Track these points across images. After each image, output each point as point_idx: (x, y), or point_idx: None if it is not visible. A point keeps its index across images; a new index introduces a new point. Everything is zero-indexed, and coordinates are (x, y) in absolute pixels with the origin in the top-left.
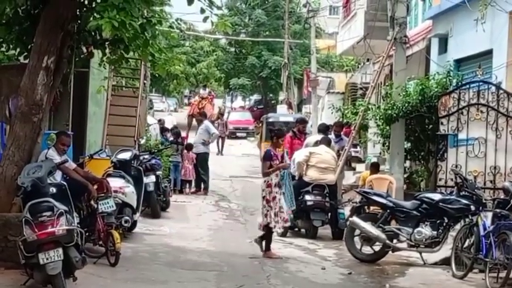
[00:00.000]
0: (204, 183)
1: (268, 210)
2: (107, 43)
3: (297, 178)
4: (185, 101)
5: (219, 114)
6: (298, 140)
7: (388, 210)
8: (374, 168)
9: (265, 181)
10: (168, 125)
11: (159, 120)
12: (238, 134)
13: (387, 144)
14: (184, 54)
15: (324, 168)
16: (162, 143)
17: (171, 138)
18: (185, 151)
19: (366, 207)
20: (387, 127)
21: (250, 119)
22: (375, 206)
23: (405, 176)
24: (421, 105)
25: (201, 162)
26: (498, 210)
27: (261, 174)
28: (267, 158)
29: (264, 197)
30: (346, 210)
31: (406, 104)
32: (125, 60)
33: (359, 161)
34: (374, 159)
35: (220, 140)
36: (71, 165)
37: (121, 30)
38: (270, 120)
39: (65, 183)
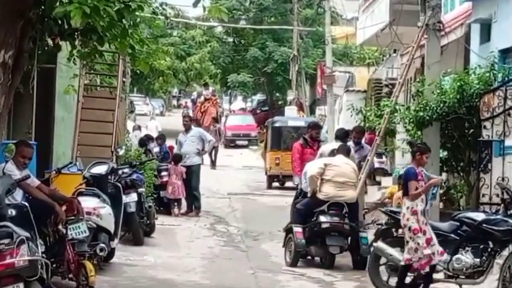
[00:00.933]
0: (197, 201)
1: (419, 244)
2: (77, 33)
3: (309, 195)
4: (174, 102)
5: (212, 119)
6: (311, 148)
7: None
8: None
9: (408, 208)
10: (152, 132)
11: (134, 128)
12: (238, 142)
13: None
14: (171, 45)
15: (343, 183)
16: (146, 152)
17: (156, 149)
18: (171, 164)
19: (394, 230)
20: (419, 132)
21: (253, 123)
22: None
23: (440, 191)
24: (459, 106)
25: (195, 176)
26: None
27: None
28: (412, 176)
29: (409, 228)
30: (369, 234)
31: (441, 104)
32: (100, 54)
33: (385, 173)
34: (403, 172)
35: (212, 151)
36: (34, 182)
37: (94, 17)
38: (277, 125)
39: (27, 204)
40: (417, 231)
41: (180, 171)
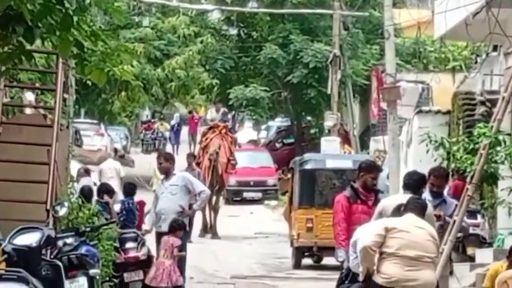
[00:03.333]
0: None
1: None
2: None
3: (361, 279)
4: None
5: (187, 156)
6: (364, 204)
7: None
8: None
9: None
10: (110, 179)
11: (80, 172)
12: (247, 195)
13: None
14: (140, 41)
15: (415, 259)
16: (99, 213)
17: (117, 207)
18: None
19: None
20: None
21: (270, 164)
22: None
23: None
24: None
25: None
26: None
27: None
28: None
29: None
30: None
31: None
32: (27, 57)
33: (481, 242)
34: None
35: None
36: None
37: None
38: (309, 166)
39: None
40: None
41: (171, 244)
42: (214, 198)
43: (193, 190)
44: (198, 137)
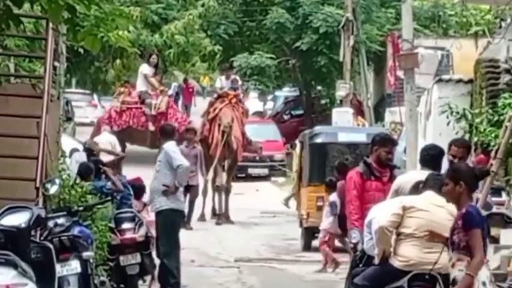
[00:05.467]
0: (172, 275)
1: None
2: None
3: (377, 262)
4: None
5: (186, 131)
6: (378, 181)
7: None
8: None
9: None
10: (104, 154)
11: (74, 150)
12: (252, 171)
13: None
14: (136, 5)
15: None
16: (95, 190)
17: (108, 185)
18: (136, 203)
19: None
20: None
21: (277, 138)
22: None
23: None
24: None
25: (163, 231)
26: None
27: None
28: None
29: None
30: None
31: None
32: (15, 22)
33: (507, 222)
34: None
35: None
36: None
37: None
38: (319, 140)
39: None
40: None
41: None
42: (224, 176)
43: (173, 163)
44: (192, 109)
